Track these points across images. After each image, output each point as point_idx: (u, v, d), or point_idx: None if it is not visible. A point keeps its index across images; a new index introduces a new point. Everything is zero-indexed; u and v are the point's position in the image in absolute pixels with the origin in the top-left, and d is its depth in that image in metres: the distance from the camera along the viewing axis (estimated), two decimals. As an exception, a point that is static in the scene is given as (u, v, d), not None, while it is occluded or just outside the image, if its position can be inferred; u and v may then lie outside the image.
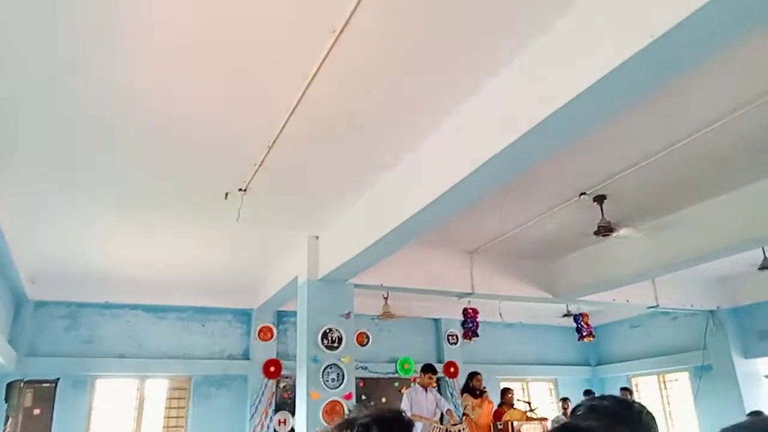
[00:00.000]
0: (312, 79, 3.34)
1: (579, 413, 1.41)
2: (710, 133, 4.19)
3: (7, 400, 6.78)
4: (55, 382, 6.93)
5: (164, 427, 7.99)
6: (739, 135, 4.31)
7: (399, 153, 4.46)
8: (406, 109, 3.85)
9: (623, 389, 9.66)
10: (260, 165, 4.44)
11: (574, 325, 9.93)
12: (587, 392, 9.72)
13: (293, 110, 3.66)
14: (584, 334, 9.78)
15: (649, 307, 8.35)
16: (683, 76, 3.01)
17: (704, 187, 5.43)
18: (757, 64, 3.44)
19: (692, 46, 2.52)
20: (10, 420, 6.55)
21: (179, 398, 8.19)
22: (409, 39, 3.12)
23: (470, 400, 7.16)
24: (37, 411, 6.75)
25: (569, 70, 2.90)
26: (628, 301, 7.92)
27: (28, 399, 6.63)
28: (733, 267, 7.96)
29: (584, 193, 5.30)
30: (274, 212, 5.62)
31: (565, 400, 9.68)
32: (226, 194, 4.99)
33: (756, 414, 6.80)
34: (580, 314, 9.78)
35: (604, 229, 5.45)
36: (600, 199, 5.38)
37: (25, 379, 6.74)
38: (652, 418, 1.47)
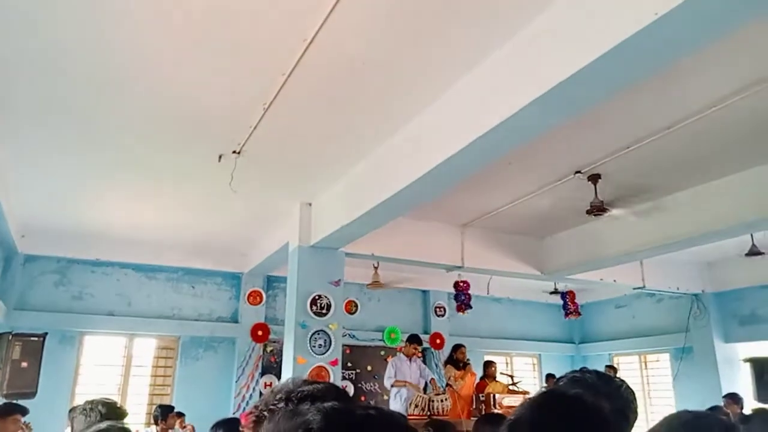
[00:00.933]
0: (311, 42, 3.29)
1: (561, 383, 1.45)
2: (708, 117, 4.17)
3: (-6, 351, 6.81)
4: (44, 336, 6.93)
5: (151, 385, 8.08)
6: (737, 120, 4.30)
7: (395, 123, 4.42)
8: (405, 79, 3.81)
9: (608, 367, 9.81)
10: (255, 128, 4.39)
11: (561, 302, 10.06)
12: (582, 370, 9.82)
13: (290, 73, 3.62)
14: (570, 311, 9.91)
15: (635, 288, 8.45)
16: (685, 58, 2.99)
17: (699, 171, 5.44)
18: (759, 48, 3.41)
19: (697, 26, 2.49)
20: (-3, 371, 6.59)
21: (167, 357, 8.27)
22: (410, 5, 3.06)
23: (453, 372, 7.27)
24: (24, 364, 6.76)
25: (571, 46, 2.87)
26: (615, 281, 8.01)
27: (16, 352, 6.63)
28: (720, 252, 8.04)
29: (579, 172, 5.30)
30: (268, 177, 5.59)
31: (550, 376, 9.82)
32: (220, 156, 4.95)
33: (731, 396, 6.97)
34: (567, 292, 9.90)
35: (597, 209, 5.47)
36: (594, 178, 5.38)
37: (13, 332, 6.75)
38: (632, 392, 1.51)
